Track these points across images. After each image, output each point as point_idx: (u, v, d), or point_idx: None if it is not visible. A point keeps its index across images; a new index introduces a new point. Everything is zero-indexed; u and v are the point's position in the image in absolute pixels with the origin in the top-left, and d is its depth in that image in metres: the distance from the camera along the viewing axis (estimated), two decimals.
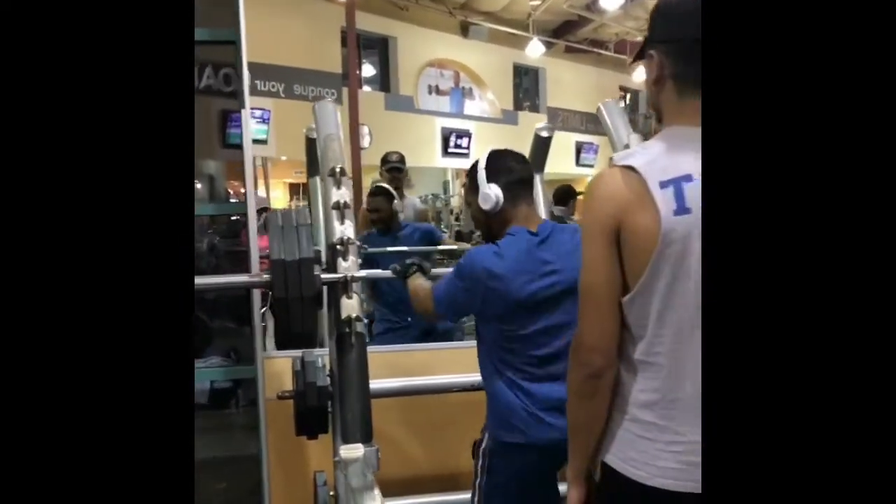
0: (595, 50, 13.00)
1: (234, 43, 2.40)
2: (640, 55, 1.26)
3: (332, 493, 2.13)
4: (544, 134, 2.68)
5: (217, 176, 5.36)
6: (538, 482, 1.86)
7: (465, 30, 11.50)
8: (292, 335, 1.76)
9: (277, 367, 2.45)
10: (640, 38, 12.87)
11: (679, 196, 1.13)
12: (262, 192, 7.99)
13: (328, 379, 1.99)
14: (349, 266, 1.87)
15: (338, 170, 1.95)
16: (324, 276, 1.82)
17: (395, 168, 3.97)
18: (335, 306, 1.85)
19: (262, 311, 2.41)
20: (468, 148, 11.45)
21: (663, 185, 1.14)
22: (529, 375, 1.80)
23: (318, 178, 2.43)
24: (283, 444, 2.45)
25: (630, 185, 1.15)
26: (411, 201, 4.06)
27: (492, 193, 1.83)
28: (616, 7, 10.26)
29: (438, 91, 11.56)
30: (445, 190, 12.07)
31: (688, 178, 1.14)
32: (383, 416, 2.54)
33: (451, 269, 1.96)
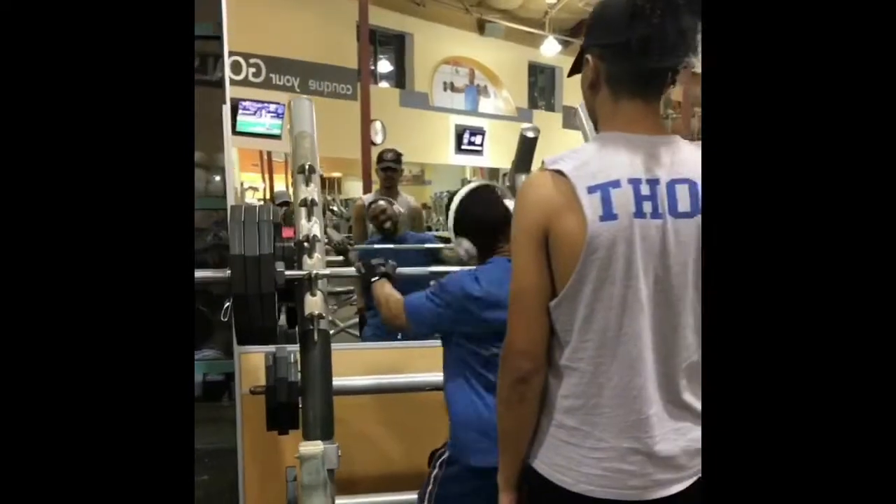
0: None
1: (218, 38, 2.42)
2: (577, 64, 1.26)
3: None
4: (530, 135, 2.66)
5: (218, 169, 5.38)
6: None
7: (481, 27, 11.46)
8: (251, 331, 1.77)
9: (255, 362, 2.47)
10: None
11: (606, 202, 1.12)
12: (281, 187, 8.02)
13: (300, 375, 2.00)
14: (314, 263, 1.88)
15: (307, 167, 1.95)
16: (287, 272, 1.83)
17: (388, 167, 3.95)
18: (299, 304, 1.85)
19: (226, 305, 2.42)
20: (482, 145, 11.43)
21: (591, 189, 1.13)
22: (481, 394, 1.82)
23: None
24: (259, 439, 2.46)
25: (559, 189, 1.15)
26: (404, 199, 4.05)
27: (462, 250, 1.93)
28: None
29: (453, 88, 11.54)
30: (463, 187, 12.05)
31: (616, 183, 1.13)
32: (358, 414, 2.55)
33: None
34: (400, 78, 10.95)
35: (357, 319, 4.26)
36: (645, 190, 1.13)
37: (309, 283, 1.85)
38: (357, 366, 2.50)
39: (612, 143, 1.17)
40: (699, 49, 1.11)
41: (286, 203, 4.10)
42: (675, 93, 12.81)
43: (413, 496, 2.36)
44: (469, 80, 11.82)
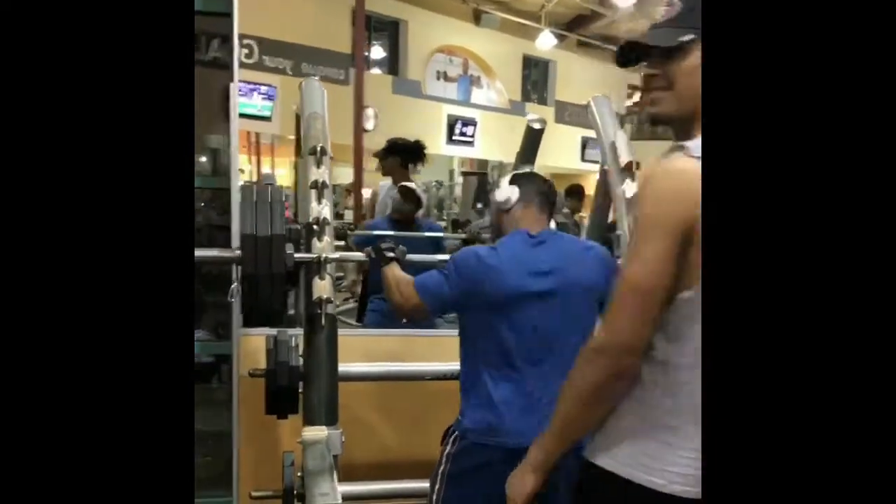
0: (607, 46, 12.91)
1: (228, 15, 2.38)
2: (637, 55, 1.21)
3: (299, 473, 2.13)
4: (536, 126, 2.66)
5: (220, 149, 5.32)
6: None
7: (476, 17, 11.43)
8: (260, 312, 1.75)
9: (255, 345, 2.44)
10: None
11: None
12: (267, 169, 7.96)
13: (301, 359, 1.97)
14: (324, 247, 1.86)
15: (318, 149, 1.93)
16: (297, 255, 1.80)
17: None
18: (306, 287, 1.83)
19: (233, 286, 2.39)
20: (473, 136, 11.41)
21: None
22: (506, 374, 1.79)
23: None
24: (255, 422, 2.44)
25: None
26: (385, 187, 3.99)
27: (506, 189, 1.88)
28: (629, 4, 10.19)
29: (447, 77, 11.51)
30: (451, 177, 12.04)
31: None
32: (359, 401, 2.53)
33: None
34: (393, 65, 10.90)
35: (350, 305, 4.23)
36: None
37: (318, 266, 1.83)
38: (356, 352, 2.48)
39: None
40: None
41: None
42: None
43: (412, 484, 2.36)
44: (462, 70, 11.78)
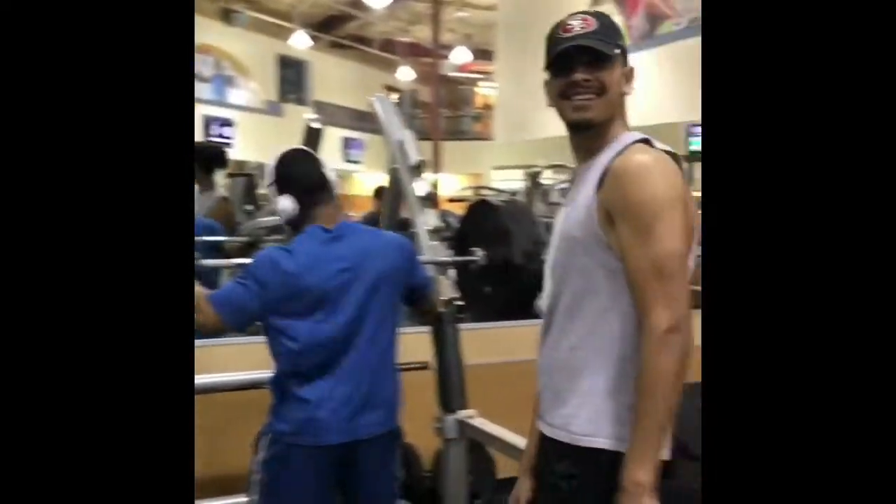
0: (361, 47, 13.11)
1: None
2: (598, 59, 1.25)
3: None
4: (315, 125, 2.65)
5: None
6: (317, 485, 1.82)
7: (226, 16, 11.02)
8: None
9: None
10: (404, 39, 13.27)
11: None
12: None
13: None
14: None
15: None
16: None
17: None
18: None
19: None
20: (231, 137, 11.01)
21: None
22: (316, 372, 1.77)
23: None
24: None
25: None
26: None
27: (285, 206, 1.81)
28: (381, 6, 10.42)
29: (200, 77, 10.97)
30: None
31: None
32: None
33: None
34: None
35: None
36: None
37: None
38: None
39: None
40: None
41: None
42: (424, 93, 13.38)
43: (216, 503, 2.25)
44: (215, 70, 11.31)
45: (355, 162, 13.31)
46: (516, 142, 7.40)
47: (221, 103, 11.27)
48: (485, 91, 14.78)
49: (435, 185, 9.89)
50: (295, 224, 1.84)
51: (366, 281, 1.79)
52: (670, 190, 1.16)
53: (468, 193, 7.47)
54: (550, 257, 1.32)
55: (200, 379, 2.30)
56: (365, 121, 11.46)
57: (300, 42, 11.35)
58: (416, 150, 2.19)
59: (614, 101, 1.26)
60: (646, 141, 1.23)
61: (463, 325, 2.33)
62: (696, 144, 7.27)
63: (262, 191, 4.03)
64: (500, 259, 2.97)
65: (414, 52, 13.33)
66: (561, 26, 1.27)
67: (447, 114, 14.51)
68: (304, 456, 1.74)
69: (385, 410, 1.83)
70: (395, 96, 14.70)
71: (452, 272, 2.34)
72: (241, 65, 11.66)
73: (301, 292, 1.73)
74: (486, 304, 3.23)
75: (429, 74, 12.24)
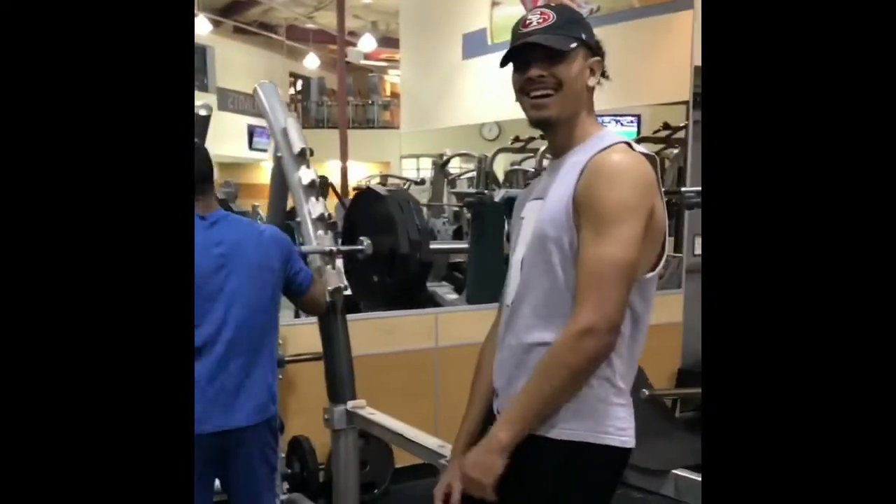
0: (265, 33, 12.80)
1: None
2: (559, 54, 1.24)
3: None
4: (202, 113, 2.57)
5: None
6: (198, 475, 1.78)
7: None
8: None
9: None
10: (310, 25, 13.07)
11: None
12: None
13: None
14: None
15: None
16: None
17: None
18: None
19: None
20: None
21: None
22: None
23: None
24: None
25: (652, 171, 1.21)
26: None
27: None
28: None
29: None
30: None
31: None
32: None
33: None
34: None
35: None
36: None
37: None
38: None
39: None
40: None
41: None
42: (332, 80, 13.19)
43: None
44: None
45: (261, 150, 13.02)
46: (423, 130, 7.39)
47: None
48: (394, 79, 14.71)
49: (344, 174, 9.79)
50: None
51: (239, 270, 1.77)
52: (638, 198, 1.18)
53: (376, 182, 7.44)
54: (518, 251, 1.31)
55: None
56: None
57: (201, 27, 10.98)
58: (300, 138, 2.15)
59: (576, 96, 1.26)
60: (627, 144, 1.25)
61: (351, 315, 2.31)
62: None
63: None
64: (385, 248, 2.95)
65: (321, 38, 13.13)
66: (521, 21, 1.27)
67: (355, 102, 14.37)
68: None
69: (260, 400, 1.81)
70: (300, 83, 14.41)
71: (340, 262, 2.32)
72: None
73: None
74: (374, 293, 3.21)
75: (335, 62, 12.09)
